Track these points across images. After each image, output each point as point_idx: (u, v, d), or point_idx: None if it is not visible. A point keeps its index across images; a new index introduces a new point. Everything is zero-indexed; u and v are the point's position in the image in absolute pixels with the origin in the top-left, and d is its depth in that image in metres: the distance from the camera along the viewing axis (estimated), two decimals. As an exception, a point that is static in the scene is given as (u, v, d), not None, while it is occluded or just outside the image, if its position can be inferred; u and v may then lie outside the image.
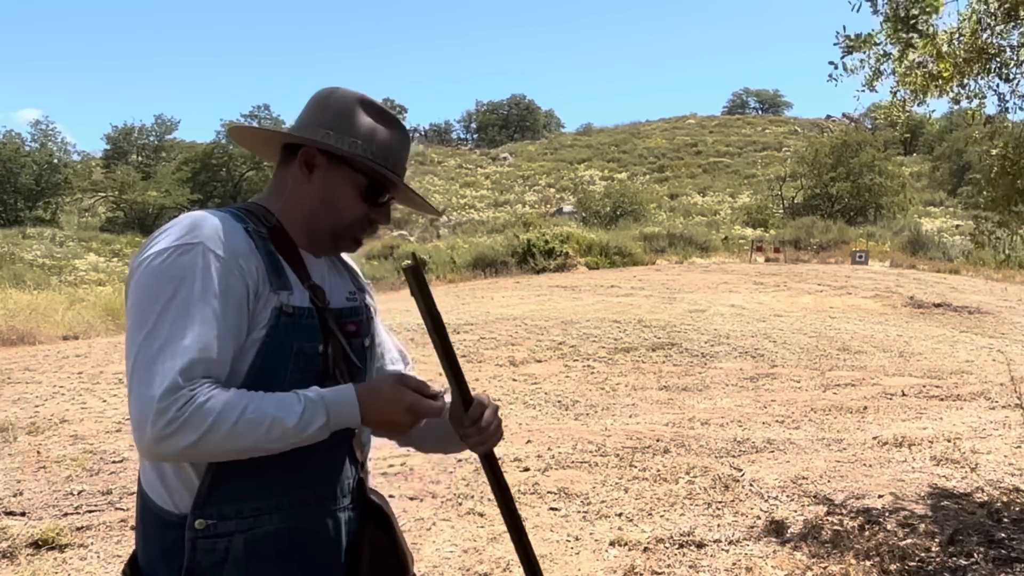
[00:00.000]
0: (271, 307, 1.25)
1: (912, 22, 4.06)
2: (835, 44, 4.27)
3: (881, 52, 4.25)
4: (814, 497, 4.34)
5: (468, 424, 1.34)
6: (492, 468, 1.40)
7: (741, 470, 4.85)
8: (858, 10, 4.19)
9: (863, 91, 4.43)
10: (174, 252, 1.20)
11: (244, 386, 1.21)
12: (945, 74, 4.18)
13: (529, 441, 5.51)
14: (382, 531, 1.42)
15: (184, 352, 1.15)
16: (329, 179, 1.35)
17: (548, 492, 4.45)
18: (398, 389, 1.28)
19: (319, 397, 1.22)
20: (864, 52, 4.23)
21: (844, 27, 4.24)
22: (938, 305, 14.68)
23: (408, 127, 1.49)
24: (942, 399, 7.08)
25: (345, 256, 1.54)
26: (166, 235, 1.22)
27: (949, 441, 5.46)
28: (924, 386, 7.60)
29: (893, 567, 3.36)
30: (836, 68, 4.29)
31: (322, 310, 1.32)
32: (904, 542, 3.63)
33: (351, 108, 1.36)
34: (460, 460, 4.99)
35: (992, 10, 4.21)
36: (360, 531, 1.39)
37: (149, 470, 1.28)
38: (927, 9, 4.03)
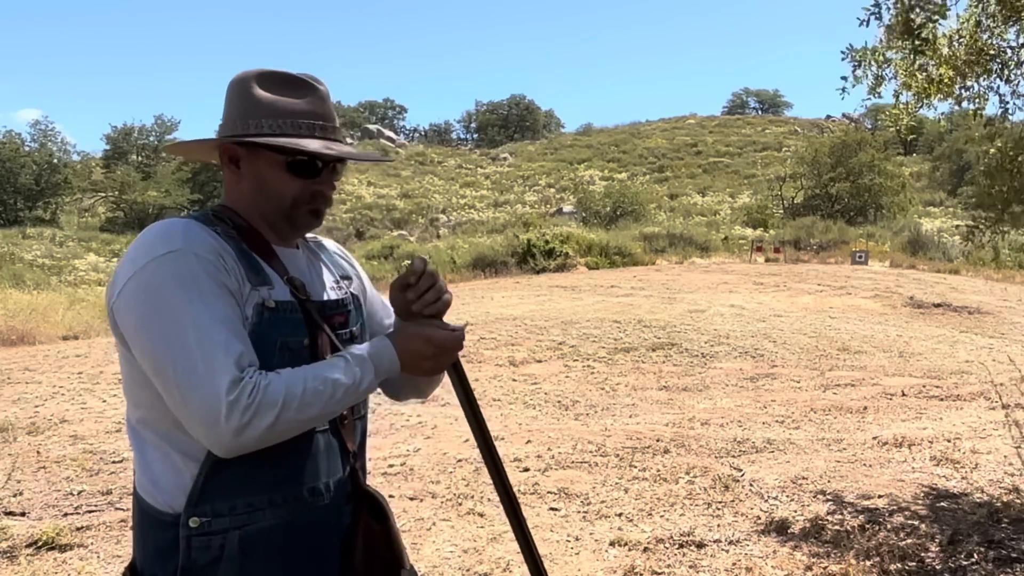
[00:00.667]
0: (253, 304, 1.25)
1: (917, 31, 4.05)
2: (843, 59, 4.29)
3: (882, 58, 4.26)
4: (814, 497, 4.35)
5: (412, 294, 1.37)
6: (459, 374, 1.44)
7: (741, 470, 4.85)
8: (867, 24, 4.19)
9: (868, 98, 4.45)
10: (163, 262, 1.19)
11: None
12: (946, 78, 4.18)
13: (529, 441, 5.51)
14: (377, 522, 1.41)
15: (226, 347, 1.16)
16: (254, 167, 1.33)
17: (548, 492, 4.45)
18: (416, 326, 1.35)
19: (363, 352, 1.28)
20: (871, 66, 4.26)
21: (851, 44, 4.28)
22: (938, 305, 14.68)
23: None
24: (942, 399, 7.08)
25: (330, 244, 1.55)
26: (143, 251, 1.21)
27: (949, 441, 5.46)
28: (924, 386, 7.60)
29: (893, 567, 3.36)
30: (847, 81, 4.32)
31: (304, 303, 1.32)
32: (904, 542, 3.63)
33: (248, 89, 1.33)
34: (460, 460, 4.99)
35: (991, 11, 4.21)
36: (355, 522, 1.38)
37: (141, 473, 1.29)
38: (933, 17, 4.02)
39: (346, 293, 1.46)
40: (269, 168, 1.32)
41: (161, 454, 1.25)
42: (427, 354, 1.32)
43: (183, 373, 1.15)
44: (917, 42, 4.01)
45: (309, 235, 1.48)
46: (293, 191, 1.33)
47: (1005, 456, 5.06)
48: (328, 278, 1.44)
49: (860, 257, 24.39)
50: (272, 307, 1.27)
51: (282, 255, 1.36)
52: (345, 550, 1.36)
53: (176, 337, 1.16)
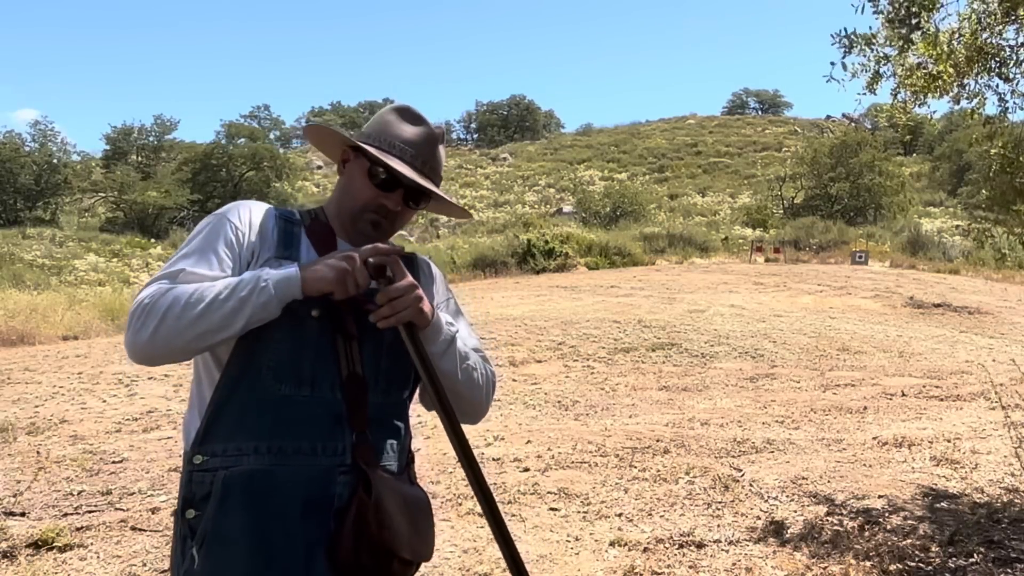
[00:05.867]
0: None
1: (914, 21, 4.05)
2: (833, 44, 4.26)
3: (881, 55, 4.24)
4: (814, 497, 4.34)
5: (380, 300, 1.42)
6: (414, 341, 1.44)
7: (741, 470, 4.85)
8: (861, 11, 4.17)
9: (864, 94, 4.42)
10: (207, 217, 1.51)
11: (238, 339, 1.40)
12: (945, 75, 4.17)
13: (529, 441, 5.51)
14: (367, 496, 1.44)
15: (176, 271, 1.40)
16: (351, 170, 1.57)
17: (548, 492, 4.45)
18: (339, 253, 1.41)
19: (263, 271, 1.39)
20: (864, 54, 4.22)
21: (845, 28, 4.23)
22: (938, 305, 14.69)
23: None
24: (942, 399, 7.08)
25: (421, 261, 1.67)
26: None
27: (949, 441, 5.46)
28: (924, 386, 7.60)
29: (893, 567, 3.36)
30: (835, 67, 4.27)
31: None
32: (904, 542, 3.63)
33: (384, 113, 1.59)
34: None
35: (991, 9, 4.21)
36: (352, 495, 1.44)
37: (186, 412, 1.51)
38: (926, 5, 4.02)
39: None
40: (358, 172, 1.54)
41: (195, 402, 1.47)
42: (326, 275, 1.37)
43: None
44: (907, 29, 4.00)
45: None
46: (365, 197, 1.53)
47: (1005, 456, 5.06)
48: None
49: (860, 257, 24.42)
50: None
51: (343, 248, 1.51)
52: (338, 520, 1.44)
53: (174, 261, 1.45)
